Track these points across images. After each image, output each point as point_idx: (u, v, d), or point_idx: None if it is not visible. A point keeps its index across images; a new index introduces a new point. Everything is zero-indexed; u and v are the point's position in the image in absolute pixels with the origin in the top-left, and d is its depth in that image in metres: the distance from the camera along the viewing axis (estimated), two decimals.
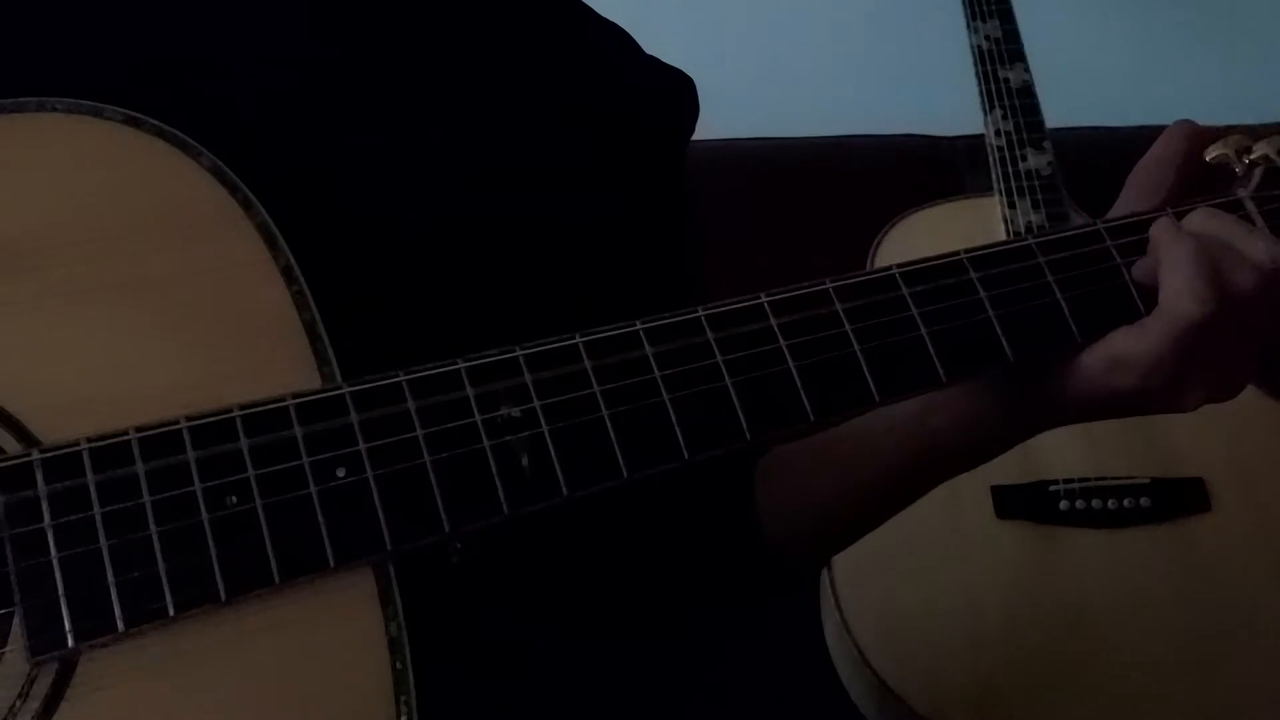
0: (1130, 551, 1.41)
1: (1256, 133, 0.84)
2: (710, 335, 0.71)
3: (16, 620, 0.60)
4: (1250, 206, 0.80)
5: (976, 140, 1.76)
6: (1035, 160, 1.67)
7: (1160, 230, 0.77)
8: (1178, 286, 0.73)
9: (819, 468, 0.89)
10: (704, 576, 0.89)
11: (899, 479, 0.86)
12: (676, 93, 0.97)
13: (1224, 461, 1.45)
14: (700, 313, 0.71)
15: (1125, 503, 1.43)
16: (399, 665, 0.62)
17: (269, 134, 0.77)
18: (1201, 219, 0.77)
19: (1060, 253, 0.77)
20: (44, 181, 0.68)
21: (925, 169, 1.87)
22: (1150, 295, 0.76)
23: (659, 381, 0.69)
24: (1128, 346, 0.75)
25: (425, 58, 0.86)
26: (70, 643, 0.60)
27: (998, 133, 1.71)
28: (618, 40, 0.97)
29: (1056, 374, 0.77)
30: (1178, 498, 1.44)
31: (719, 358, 0.70)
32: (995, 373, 0.77)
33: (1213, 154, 0.82)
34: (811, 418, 0.71)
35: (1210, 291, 0.73)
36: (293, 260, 0.68)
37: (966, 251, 0.76)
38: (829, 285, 0.74)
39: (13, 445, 0.62)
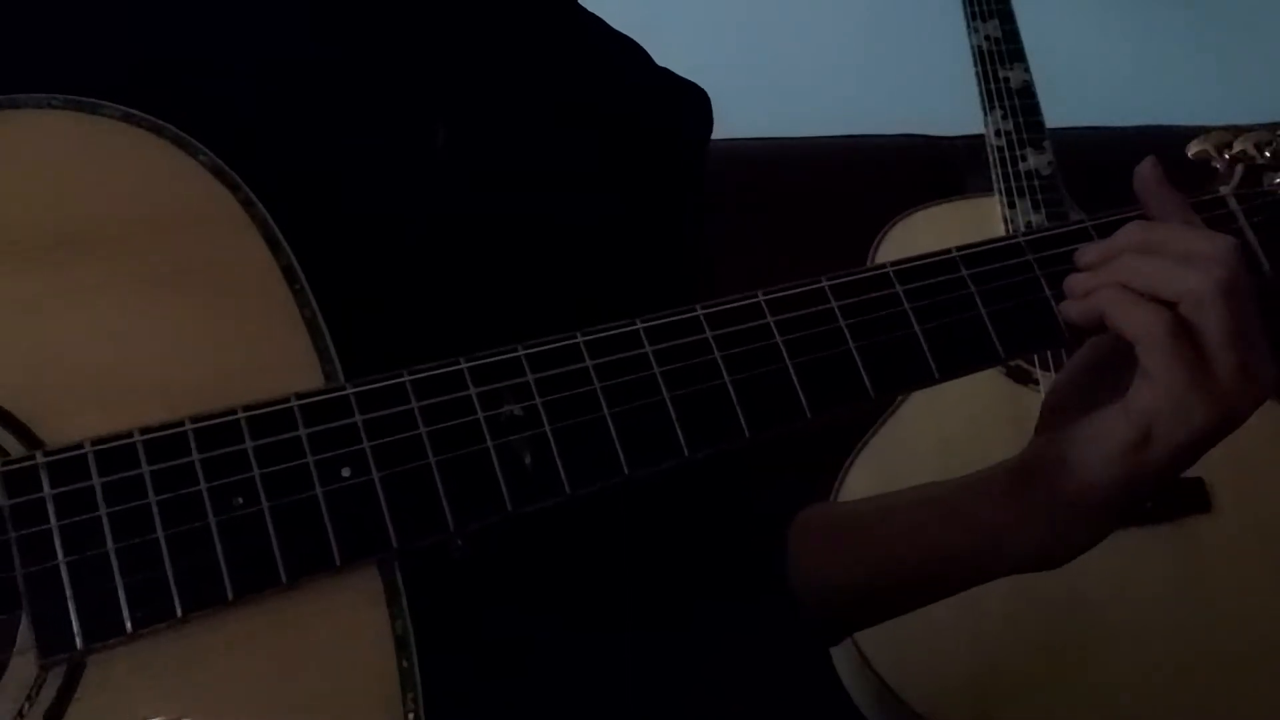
0: (1130, 551, 1.41)
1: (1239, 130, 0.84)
2: (709, 333, 0.71)
3: (24, 623, 0.60)
4: (1232, 203, 0.81)
5: (976, 140, 1.76)
6: (1035, 160, 1.68)
7: (1076, 281, 0.77)
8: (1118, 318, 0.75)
9: (836, 547, 0.91)
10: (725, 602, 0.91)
11: (909, 575, 0.89)
12: (681, 101, 0.97)
13: (1224, 461, 1.44)
14: (699, 311, 0.72)
15: None
16: (405, 664, 0.62)
17: (269, 134, 0.77)
18: (1127, 234, 0.78)
19: (1050, 250, 0.78)
20: (40, 179, 0.68)
21: (925, 169, 1.87)
22: None
23: (659, 379, 0.70)
24: (1134, 412, 0.75)
25: (425, 58, 0.86)
26: (79, 645, 0.60)
27: (998, 133, 1.71)
28: (626, 48, 0.97)
29: (1081, 486, 0.79)
30: (1178, 498, 1.43)
31: (717, 355, 0.71)
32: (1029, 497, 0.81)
33: (1193, 150, 0.82)
34: (808, 414, 0.71)
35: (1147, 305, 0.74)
36: (294, 259, 0.68)
37: (959, 249, 0.77)
38: (825, 283, 0.74)
39: (16, 447, 0.62)
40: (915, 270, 0.76)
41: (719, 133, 1.00)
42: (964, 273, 0.77)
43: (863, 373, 0.73)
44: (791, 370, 0.72)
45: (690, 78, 0.99)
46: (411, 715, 0.62)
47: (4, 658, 0.60)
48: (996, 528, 0.84)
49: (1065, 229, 0.79)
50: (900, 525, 0.89)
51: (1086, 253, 0.78)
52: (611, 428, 0.68)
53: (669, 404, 0.69)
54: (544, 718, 0.76)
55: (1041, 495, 0.81)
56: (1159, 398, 0.74)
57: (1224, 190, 0.81)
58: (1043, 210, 1.65)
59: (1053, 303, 0.77)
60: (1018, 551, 0.84)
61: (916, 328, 0.75)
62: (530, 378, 0.68)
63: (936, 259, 0.77)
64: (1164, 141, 1.86)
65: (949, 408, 1.49)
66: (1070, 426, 0.80)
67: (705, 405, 0.70)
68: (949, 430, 1.48)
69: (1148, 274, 0.75)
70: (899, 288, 0.75)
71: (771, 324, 0.72)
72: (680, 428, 0.69)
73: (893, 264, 0.76)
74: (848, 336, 0.73)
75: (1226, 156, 0.82)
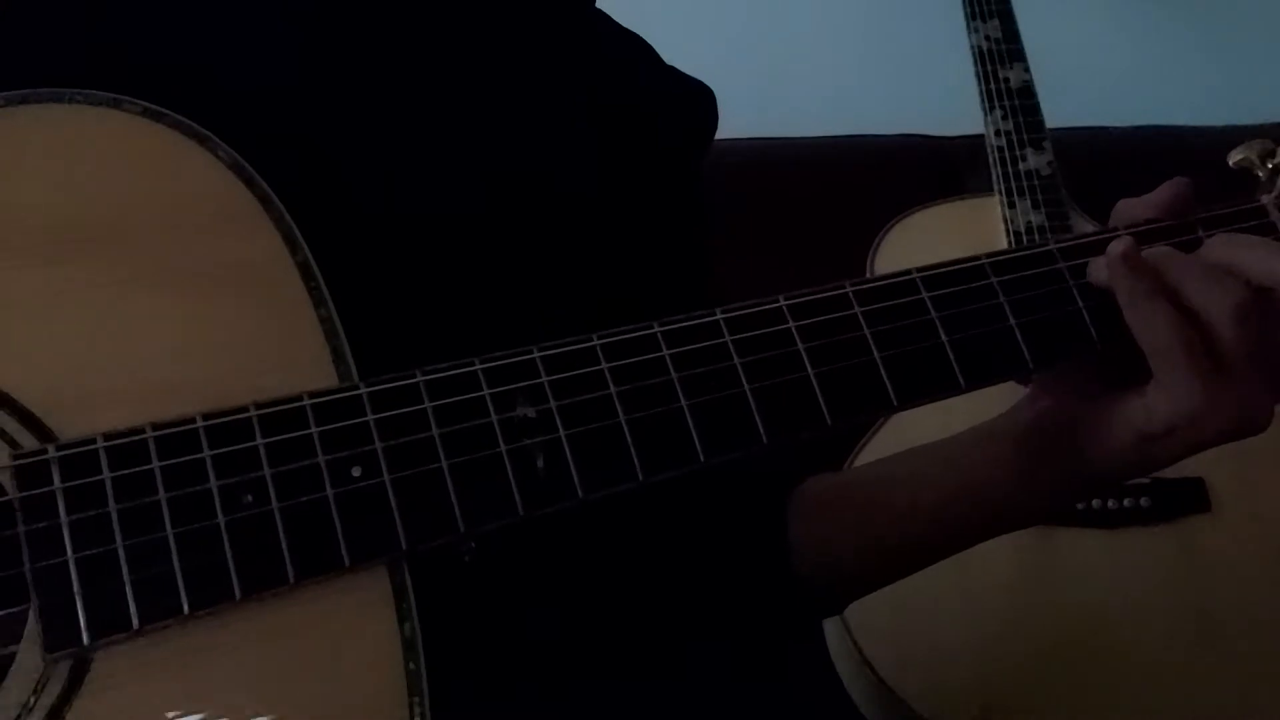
0: (1130, 551, 1.41)
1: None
2: (728, 337, 0.70)
3: (32, 617, 0.60)
4: (1274, 213, 0.79)
5: (976, 140, 1.76)
6: (1035, 160, 1.68)
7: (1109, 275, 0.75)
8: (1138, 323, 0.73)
9: (846, 512, 0.91)
10: (728, 597, 0.90)
11: (920, 535, 0.89)
12: (687, 99, 0.97)
13: (1224, 461, 1.45)
14: (719, 315, 0.71)
15: (1125, 502, 1.43)
16: (412, 666, 0.62)
17: (269, 134, 0.77)
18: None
19: (1082, 258, 0.76)
20: (58, 173, 0.68)
21: (925, 169, 1.88)
22: None
23: (675, 384, 0.68)
24: (1154, 414, 0.74)
25: (428, 57, 0.85)
26: (85, 640, 0.60)
27: (998, 133, 1.71)
28: (631, 47, 0.96)
29: (1088, 461, 0.79)
30: (1178, 498, 1.44)
31: (736, 361, 0.70)
32: (1023, 452, 0.81)
33: (1235, 158, 0.81)
34: (829, 422, 0.70)
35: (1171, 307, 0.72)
36: (310, 257, 0.67)
37: (988, 255, 0.76)
38: (849, 288, 0.73)
39: (29, 440, 0.62)
40: (942, 277, 0.75)
41: (719, 133, 1.00)
42: (993, 280, 0.75)
43: (887, 382, 0.72)
44: (813, 379, 0.70)
45: (711, 89, 0.99)
46: (418, 718, 0.61)
47: (11, 652, 0.60)
48: (997, 491, 0.84)
49: (1099, 236, 0.77)
50: (902, 494, 0.89)
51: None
52: (627, 433, 0.67)
53: (685, 410, 0.68)
54: None
55: (1047, 460, 0.81)
56: (1173, 409, 0.73)
57: (1266, 200, 0.79)
58: (1043, 210, 1.65)
59: (1086, 315, 0.75)
60: (1012, 515, 0.85)
61: (943, 337, 0.73)
62: (545, 380, 0.67)
63: (964, 265, 0.75)
64: (1164, 141, 1.86)
65: (953, 407, 1.48)
66: (1087, 401, 0.79)
67: (723, 412, 0.69)
68: (953, 430, 1.48)
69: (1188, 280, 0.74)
70: (925, 294, 0.74)
71: (793, 329, 0.71)
72: (696, 434, 0.68)
73: (919, 270, 0.75)
74: (872, 345, 0.72)
75: (1270, 165, 0.81)
